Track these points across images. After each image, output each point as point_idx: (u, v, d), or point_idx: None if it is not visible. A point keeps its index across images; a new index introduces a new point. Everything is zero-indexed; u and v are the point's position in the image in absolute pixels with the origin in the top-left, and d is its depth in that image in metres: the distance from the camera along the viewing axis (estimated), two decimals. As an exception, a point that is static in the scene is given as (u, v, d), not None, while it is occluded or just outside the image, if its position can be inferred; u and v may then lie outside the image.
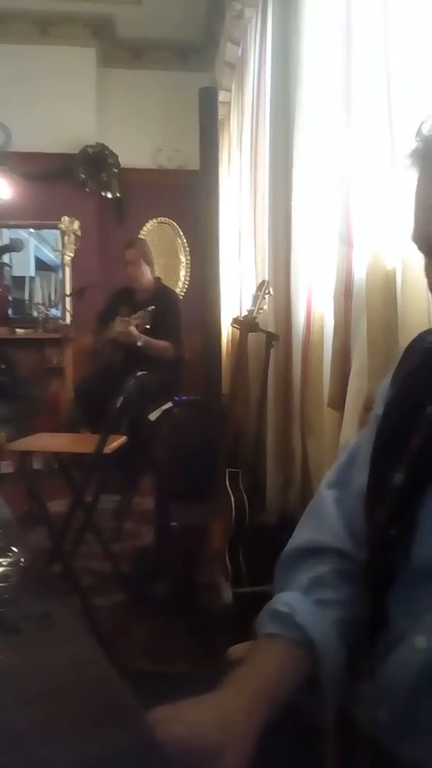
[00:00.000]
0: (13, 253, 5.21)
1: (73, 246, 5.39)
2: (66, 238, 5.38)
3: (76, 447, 2.69)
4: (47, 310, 5.45)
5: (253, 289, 2.72)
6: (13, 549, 0.83)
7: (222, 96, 4.21)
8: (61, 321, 5.35)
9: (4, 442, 3.69)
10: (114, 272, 4.45)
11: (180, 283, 5.65)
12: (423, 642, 0.69)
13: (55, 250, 5.50)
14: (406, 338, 0.89)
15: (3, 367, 4.92)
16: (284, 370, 2.59)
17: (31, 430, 3.25)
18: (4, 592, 0.77)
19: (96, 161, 5.25)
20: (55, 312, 5.49)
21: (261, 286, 2.58)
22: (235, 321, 2.81)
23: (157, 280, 3.93)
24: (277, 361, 2.65)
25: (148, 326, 3.44)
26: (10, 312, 5.40)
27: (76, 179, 5.24)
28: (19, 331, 5.20)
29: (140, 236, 5.24)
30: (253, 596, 1.94)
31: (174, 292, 4.23)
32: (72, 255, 5.41)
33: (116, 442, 2.48)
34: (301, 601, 0.78)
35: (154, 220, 5.62)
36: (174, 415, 3.00)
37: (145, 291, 3.78)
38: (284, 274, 2.55)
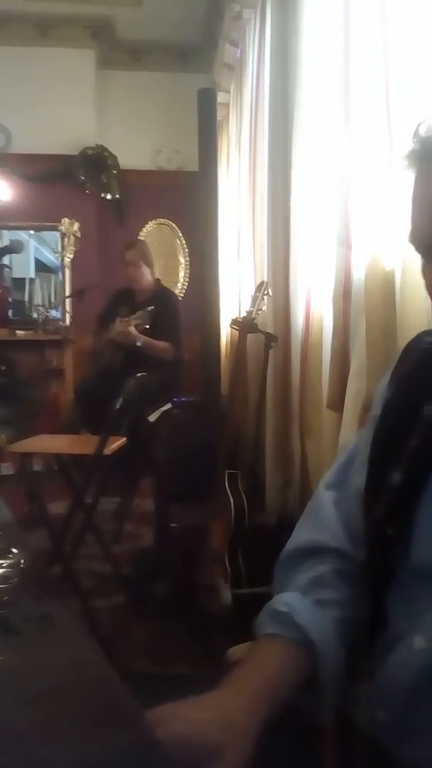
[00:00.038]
0: (13, 255, 5.22)
1: (72, 247, 5.39)
2: (66, 239, 5.38)
3: (76, 448, 2.69)
4: (47, 312, 5.45)
5: (252, 290, 2.72)
6: (14, 550, 0.83)
7: (221, 97, 4.21)
8: (61, 322, 5.36)
9: (5, 444, 3.69)
10: (114, 274, 4.46)
11: (179, 284, 5.65)
12: (422, 642, 0.70)
13: (54, 252, 5.50)
14: (405, 339, 0.89)
15: (3, 368, 4.92)
16: (283, 371, 2.59)
17: (31, 431, 3.25)
18: (5, 594, 0.77)
19: (95, 163, 5.26)
20: (55, 313, 5.49)
21: (260, 287, 2.58)
22: (234, 322, 2.81)
23: (157, 281, 3.93)
24: (276, 362, 2.65)
25: (147, 326, 3.44)
26: (10, 313, 5.40)
27: (75, 181, 5.25)
28: (19, 332, 5.20)
29: (140, 237, 5.25)
30: (253, 597, 1.94)
31: (173, 293, 4.24)
32: (72, 256, 5.41)
33: (116, 443, 2.49)
34: (300, 601, 0.78)
35: (154, 222, 5.63)
36: (173, 417, 3.00)
37: (145, 292, 3.79)
38: (283, 275, 2.55)
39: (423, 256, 0.77)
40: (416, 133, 0.74)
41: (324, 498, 0.89)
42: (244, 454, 3.03)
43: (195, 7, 4.90)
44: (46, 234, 5.54)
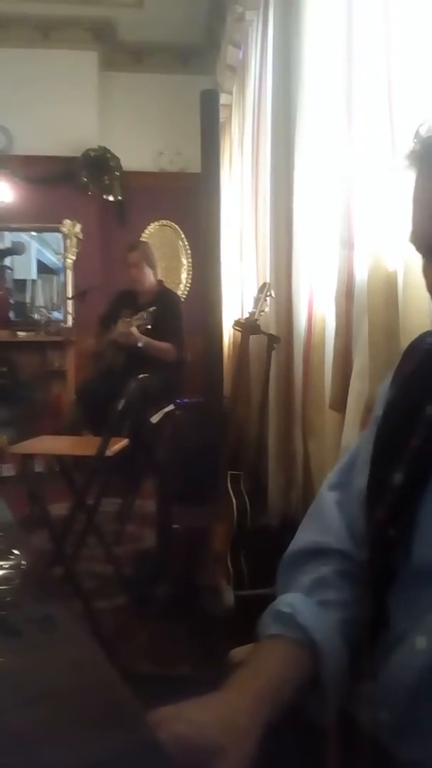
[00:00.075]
0: (15, 256, 5.24)
1: (74, 249, 5.40)
2: (68, 241, 5.39)
3: (77, 450, 2.69)
4: (49, 313, 5.45)
5: (254, 292, 2.72)
6: (15, 552, 0.83)
7: (223, 99, 4.21)
8: (62, 324, 5.36)
9: (6, 445, 3.70)
10: (116, 275, 4.46)
11: (181, 285, 5.66)
12: (423, 643, 0.70)
13: (56, 253, 5.50)
14: (407, 340, 0.89)
15: (5, 370, 4.93)
16: (286, 372, 2.59)
17: (33, 433, 3.26)
18: (6, 595, 0.77)
19: (98, 164, 5.26)
20: (56, 315, 5.49)
21: (262, 289, 2.58)
22: (237, 323, 2.81)
23: (160, 282, 3.94)
24: (279, 363, 2.65)
25: (149, 327, 3.44)
26: (11, 315, 5.41)
27: (77, 182, 5.25)
28: (20, 334, 5.20)
29: (142, 239, 5.25)
30: (255, 599, 1.94)
31: (176, 294, 4.25)
32: (74, 258, 5.41)
33: (118, 444, 2.49)
34: (303, 602, 0.78)
35: (156, 223, 5.63)
36: (175, 418, 3.00)
37: (148, 294, 3.79)
38: (285, 276, 2.55)
39: (424, 256, 0.77)
40: (417, 133, 0.75)
41: (327, 499, 0.89)
42: (246, 455, 3.03)
43: (197, 9, 4.91)
44: (48, 235, 5.55)
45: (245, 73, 3.81)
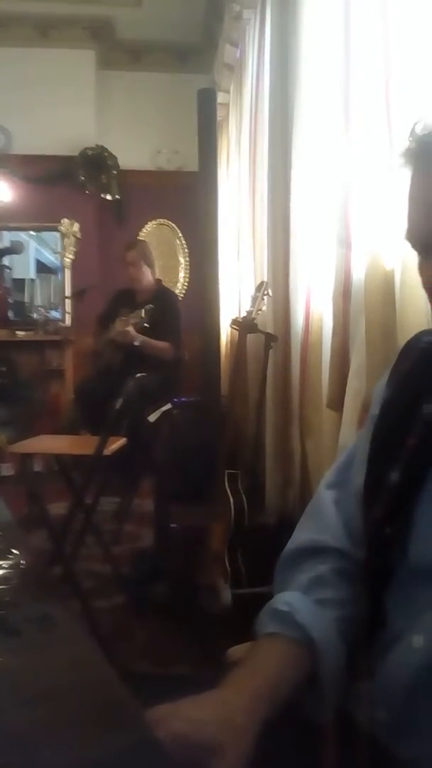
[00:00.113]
0: (14, 256, 5.22)
1: (73, 248, 5.39)
2: (66, 240, 5.38)
3: (76, 449, 2.69)
4: (47, 313, 5.45)
5: (251, 290, 2.72)
6: (14, 551, 0.83)
7: (221, 97, 4.22)
8: (61, 323, 5.35)
9: (5, 445, 3.69)
10: (114, 274, 4.46)
11: (179, 284, 5.65)
12: (420, 641, 0.70)
13: (55, 253, 5.50)
14: (404, 338, 0.89)
15: (3, 369, 4.92)
16: (283, 370, 2.60)
17: (32, 432, 3.25)
18: (5, 595, 0.77)
19: (95, 163, 5.26)
20: (55, 314, 5.49)
21: (260, 287, 2.58)
22: (234, 322, 2.81)
23: (158, 281, 3.93)
24: (276, 361, 2.65)
25: (146, 325, 3.43)
26: (10, 314, 5.40)
27: (75, 181, 5.24)
28: (19, 333, 5.20)
29: (140, 238, 5.24)
30: (253, 597, 1.93)
31: (174, 293, 4.24)
32: (72, 257, 5.41)
33: (116, 443, 2.49)
34: (301, 601, 0.78)
35: (154, 222, 5.63)
36: (173, 417, 3.00)
37: (146, 292, 3.78)
38: (283, 275, 2.55)
39: (419, 253, 0.78)
40: (412, 131, 0.75)
41: (325, 498, 0.89)
42: (244, 453, 3.03)
43: (195, 8, 4.90)
44: (46, 235, 5.55)
45: (243, 71, 3.81)
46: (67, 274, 5.42)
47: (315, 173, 2.20)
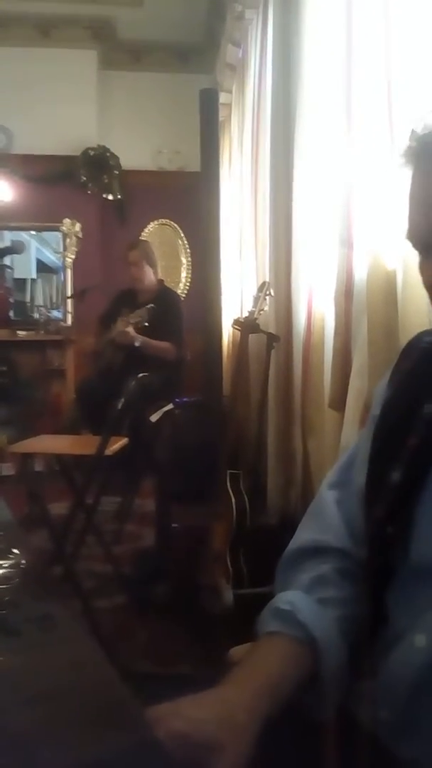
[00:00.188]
0: (15, 256, 5.23)
1: (74, 248, 5.40)
2: (67, 240, 5.39)
3: (77, 449, 2.69)
4: (48, 312, 5.45)
5: (253, 291, 2.72)
6: (15, 551, 0.83)
7: (223, 97, 4.21)
8: (62, 323, 5.36)
9: (6, 444, 3.70)
10: (115, 274, 4.46)
11: (181, 284, 5.66)
12: (422, 641, 0.70)
13: (56, 252, 5.50)
14: (406, 338, 0.89)
15: (4, 369, 4.93)
16: (285, 370, 2.59)
17: (33, 432, 3.26)
18: (6, 594, 0.77)
19: (97, 163, 5.26)
20: (56, 314, 5.49)
21: (262, 288, 2.57)
22: (236, 322, 2.80)
23: (160, 281, 3.93)
24: (278, 361, 2.65)
25: (147, 324, 3.43)
26: (11, 314, 5.41)
27: (77, 181, 5.25)
28: (20, 333, 5.20)
29: (141, 238, 5.24)
30: (254, 597, 1.93)
31: (176, 293, 4.24)
32: (73, 257, 5.41)
33: (117, 443, 2.49)
34: (302, 600, 0.78)
35: (155, 222, 5.63)
36: (175, 417, 3.00)
37: (148, 292, 3.78)
38: (285, 275, 2.55)
39: (420, 253, 0.77)
40: (413, 131, 0.75)
41: (327, 498, 0.89)
42: (245, 454, 3.02)
43: (196, 8, 4.91)
44: (47, 234, 5.55)
45: (245, 71, 3.81)
46: (69, 273, 5.42)
47: (317, 173, 2.20)
